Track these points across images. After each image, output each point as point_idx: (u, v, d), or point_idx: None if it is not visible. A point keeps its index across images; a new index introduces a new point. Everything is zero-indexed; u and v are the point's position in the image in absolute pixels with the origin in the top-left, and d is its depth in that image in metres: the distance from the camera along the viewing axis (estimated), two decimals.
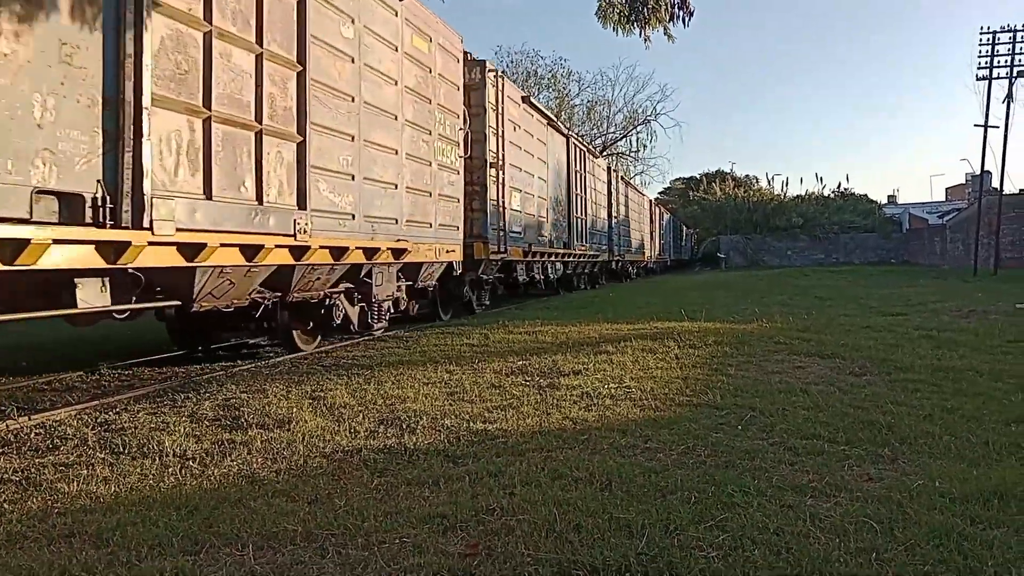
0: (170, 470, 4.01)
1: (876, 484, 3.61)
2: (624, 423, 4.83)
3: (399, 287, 9.67)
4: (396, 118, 8.88)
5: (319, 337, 8.98)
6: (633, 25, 9.34)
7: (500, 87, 12.84)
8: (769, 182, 63.34)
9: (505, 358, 7.62)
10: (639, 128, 52.11)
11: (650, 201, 38.31)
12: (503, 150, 12.82)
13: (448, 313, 12.57)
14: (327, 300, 8.19)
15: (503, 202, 12.79)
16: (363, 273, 8.55)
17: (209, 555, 2.93)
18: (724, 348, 8.02)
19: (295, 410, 5.31)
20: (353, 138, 7.83)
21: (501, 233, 12.69)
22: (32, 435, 4.81)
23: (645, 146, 52.77)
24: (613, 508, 3.28)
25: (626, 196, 29.84)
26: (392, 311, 9.59)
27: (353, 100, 7.82)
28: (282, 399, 5.73)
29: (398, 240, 8.84)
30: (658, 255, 40.73)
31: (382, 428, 4.84)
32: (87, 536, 3.12)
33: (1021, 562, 2.73)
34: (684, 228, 57.72)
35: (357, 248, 7.89)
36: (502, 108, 12.84)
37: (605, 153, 46.08)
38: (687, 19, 9.31)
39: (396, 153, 8.85)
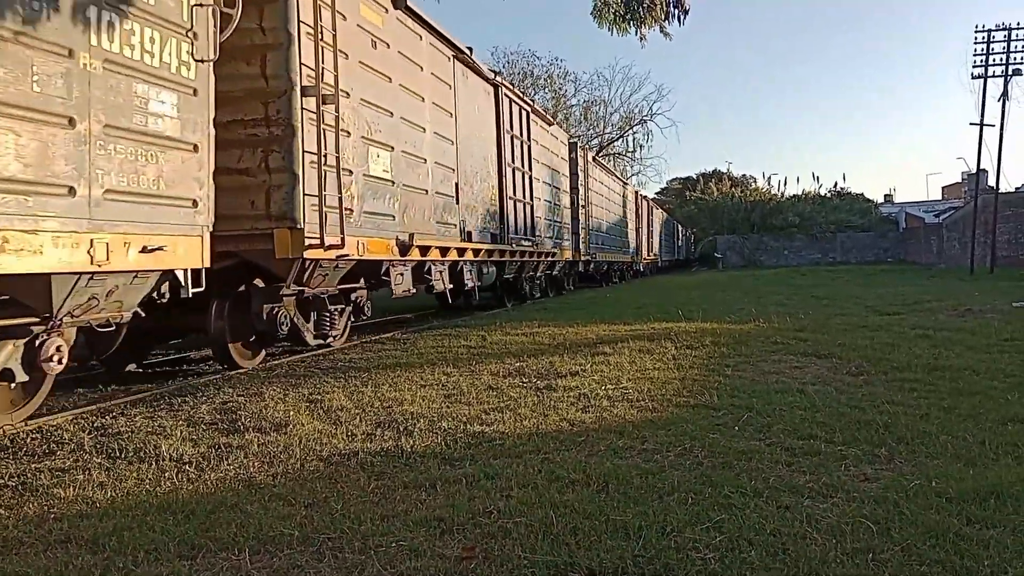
0: (167, 474, 4.00)
1: (873, 484, 3.62)
2: (621, 424, 4.83)
3: None
4: None
5: None
6: (629, 24, 9.34)
7: None
8: (767, 182, 63.34)
9: (502, 360, 7.62)
10: (635, 128, 52.14)
11: (637, 194, 35.36)
12: (338, 71, 7.34)
13: (256, 356, 7.90)
14: None
15: (341, 160, 7.41)
16: None
17: (205, 560, 2.93)
18: (721, 348, 8.02)
19: (292, 413, 5.30)
20: None
21: (336, 213, 7.32)
22: (29, 440, 4.80)
23: (641, 146, 52.82)
24: (610, 510, 3.28)
25: (616, 191, 27.73)
26: None
27: None
28: (279, 402, 5.72)
29: None
30: (651, 255, 39.40)
31: (379, 431, 4.83)
32: (83, 541, 3.11)
33: (1017, 561, 2.73)
34: (680, 228, 57.74)
35: None
36: (334, 1, 7.35)
37: (603, 154, 46.09)
38: (683, 17, 9.33)
39: None
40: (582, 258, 21.22)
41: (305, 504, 3.50)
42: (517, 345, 8.73)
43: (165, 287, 5.89)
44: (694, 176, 67.86)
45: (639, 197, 35.55)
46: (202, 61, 5.82)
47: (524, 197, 15.03)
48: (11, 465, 4.27)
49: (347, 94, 7.74)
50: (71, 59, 4.68)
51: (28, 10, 4.35)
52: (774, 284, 23.15)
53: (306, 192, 6.97)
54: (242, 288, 7.45)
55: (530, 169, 15.49)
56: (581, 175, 20.97)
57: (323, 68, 7.24)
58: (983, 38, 28.83)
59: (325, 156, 7.20)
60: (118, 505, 3.55)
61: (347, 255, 7.65)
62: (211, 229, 5.99)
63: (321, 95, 7.14)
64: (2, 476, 4.04)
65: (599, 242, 24.14)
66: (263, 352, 8.09)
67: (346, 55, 7.70)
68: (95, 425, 5.16)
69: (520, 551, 2.89)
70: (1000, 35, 28.68)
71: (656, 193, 63.50)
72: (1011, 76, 28.57)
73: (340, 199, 7.37)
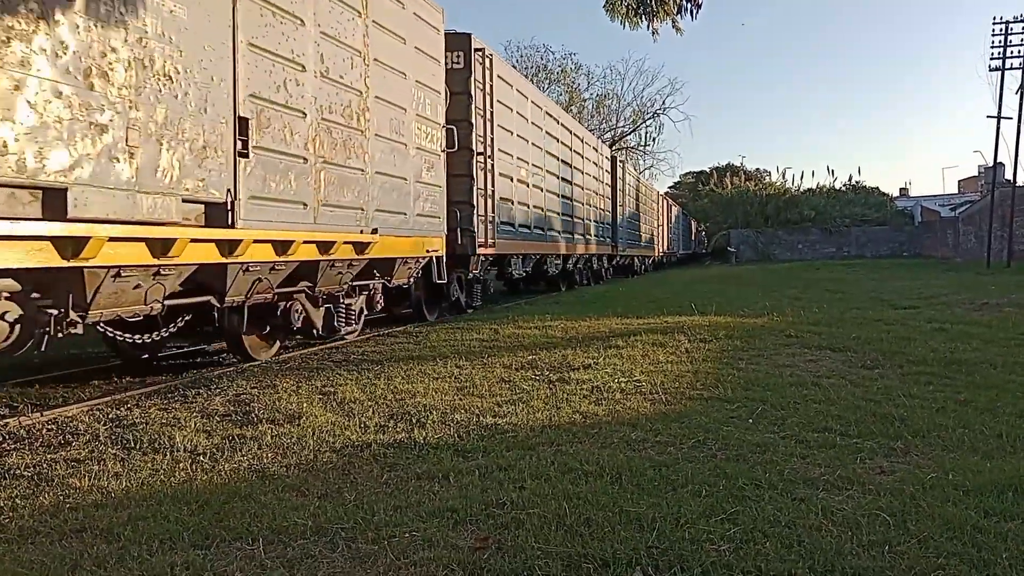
0: (181, 465, 4.02)
1: (889, 477, 3.59)
2: (634, 417, 4.82)
3: None
4: None
5: None
6: (641, 18, 9.31)
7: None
8: (781, 176, 62.74)
9: (515, 352, 7.61)
10: (648, 122, 51.94)
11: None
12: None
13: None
14: None
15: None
16: None
17: (219, 549, 2.94)
18: (735, 342, 7.98)
19: (305, 405, 5.32)
20: None
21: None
22: (44, 431, 4.84)
23: (654, 139, 52.59)
24: (623, 501, 3.26)
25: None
26: None
27: None
28: (292, 394, 5.74)
29: None
30: (667, 250, 40.06)
31: (392, 423, 4.84)
32: (98, 531, 3.13)
33: None
34: (693, 222, 57.48)
35: None
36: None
37: (615, 148, 45.96)
38: (695, 11, 9.30)
39: None
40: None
41: (318, 495, 3.51)
42: (530, 338, 8.72)
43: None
44: (707, 170, 67.40)
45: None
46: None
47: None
48: (27, 455, 4.30)
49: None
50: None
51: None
52: (788, 278, 23.01)
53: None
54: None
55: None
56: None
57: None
58: (1001, 30, 28.51)
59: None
60: (133, 495, 3.57)
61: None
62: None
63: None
64: (19, 467, 4.07)
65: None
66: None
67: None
68: (110, 416, 5.19)
69: (533, 542, 2.88)
70: (1018, 27, 28.36)
71: (669, 187, 63.45)
72: None
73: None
